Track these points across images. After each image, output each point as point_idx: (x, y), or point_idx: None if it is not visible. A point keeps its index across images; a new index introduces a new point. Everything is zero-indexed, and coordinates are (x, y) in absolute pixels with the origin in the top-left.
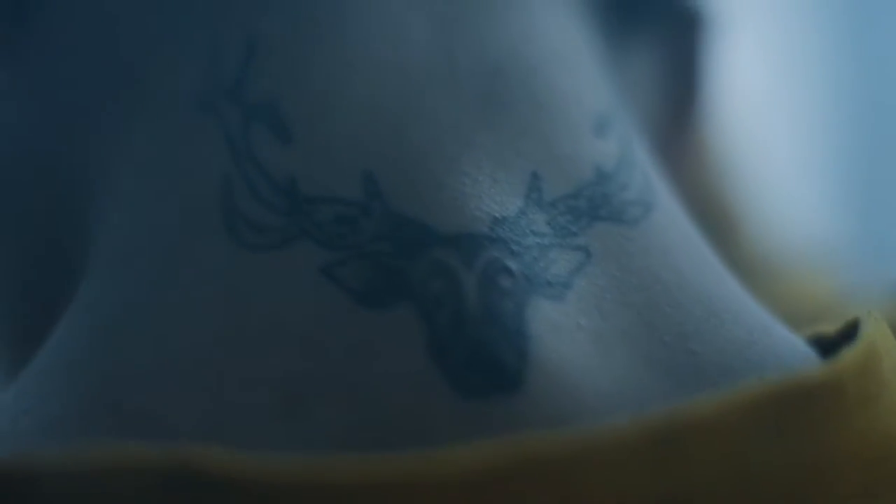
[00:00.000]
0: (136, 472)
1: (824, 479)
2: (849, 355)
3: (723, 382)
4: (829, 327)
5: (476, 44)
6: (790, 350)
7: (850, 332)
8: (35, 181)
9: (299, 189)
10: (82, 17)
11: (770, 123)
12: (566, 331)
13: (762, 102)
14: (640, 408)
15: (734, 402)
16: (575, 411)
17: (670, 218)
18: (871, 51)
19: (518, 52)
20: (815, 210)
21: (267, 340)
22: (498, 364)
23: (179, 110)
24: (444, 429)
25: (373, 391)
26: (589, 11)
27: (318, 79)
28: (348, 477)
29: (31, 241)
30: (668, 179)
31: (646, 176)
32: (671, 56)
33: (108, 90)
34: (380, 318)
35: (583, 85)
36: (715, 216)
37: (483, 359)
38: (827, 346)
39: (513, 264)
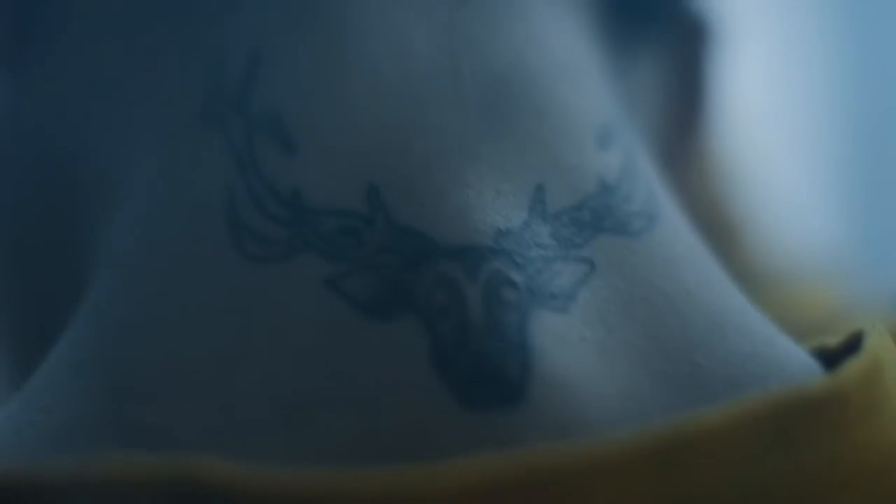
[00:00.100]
0: (140, 484)
1: (828, 492)
2: (852, 367)
3: (727, 394)
4: (833, 339)
5: (480, 55)
6: (794, 362)
7: (853, 344)
8: (40, 191)
9: (303, 201)
10: (87, 28)
11: (774, 133)
12: (570, 343)
13: (766, 112)
14: (644, 420)
15: (738, 414)
16: (579, 424)
17: (674, 229)
18: (875, 61)
19: (521, 63)
20: (819, 220)
21: (271, 352)
22: (501, 376)
23: (183, 121)
24: (447, 441)
25: (376, 403)
26: (593, 21)
27: (321, 90)
28: (352, 489)
29: (36, 252)
30: (672, 190)
31: (649, 187)
32: (675, 66)
33: (112, 101)
34: (383, 330)
35: (586, 96)
36: (718, 226)
37: (487, 371)
38: (830, 357)
39: (516, 276)
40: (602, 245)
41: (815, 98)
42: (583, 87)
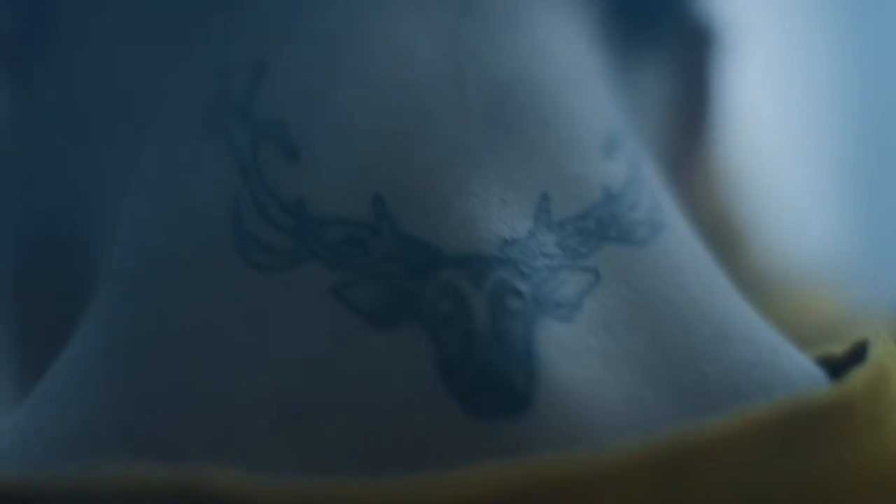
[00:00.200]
0: (145, 494)
1: (833, 501)
2: (858, 376)
3: (732, 403)
4: (838, 348)
5: (484, 64)
6: (799, 371)
7: (858, 353)
8: (41, 202)
9: (308, 210)
10: (91, 39)
11: (778, 141)
12: (575, 352)
13: (771, 120)
14: (649, 429)
15: (743, 423)
16: (584, 432)
17: (679, 237)
18: (880, 68)
19: (526, 71)
20: (823, 226)
21: (276, 361)
22: (507, 385)
23: (187, 130)
24: (452, 450)
25: (381, 412)
26: (597, 30)
27: (325, 98)
28: (357, 499)
29: (40, 262)
30: (677, 198)
31: (654, 195)
32: (679, 73)
33: (117, 110)
34: (389, 339)
35: (591, 104)
36: (723, 234)
37: (492, 380)
38: (836, 366)
39: (522, 285)
40: (607, 254)
41: (820, 105)
42: (587, 95)
